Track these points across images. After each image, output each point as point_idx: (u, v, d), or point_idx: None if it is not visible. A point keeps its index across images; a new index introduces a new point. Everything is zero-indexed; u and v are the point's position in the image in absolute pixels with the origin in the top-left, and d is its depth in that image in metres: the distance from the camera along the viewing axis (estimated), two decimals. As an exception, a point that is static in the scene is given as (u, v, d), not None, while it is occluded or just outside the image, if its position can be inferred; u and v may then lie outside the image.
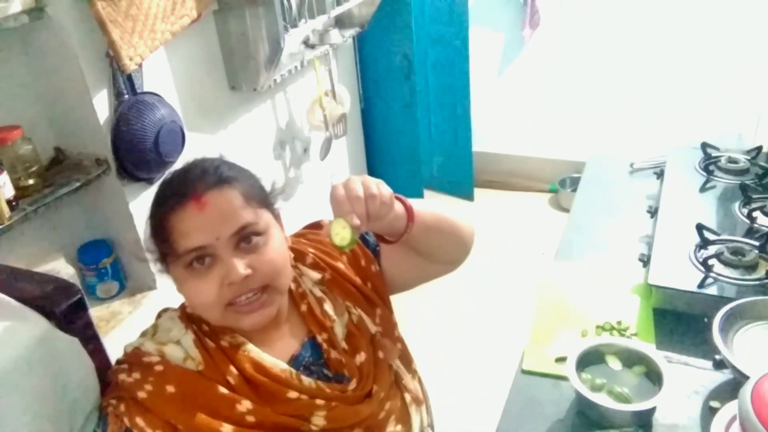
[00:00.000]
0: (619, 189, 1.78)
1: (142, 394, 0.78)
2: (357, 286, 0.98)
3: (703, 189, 1.61)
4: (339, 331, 0.91)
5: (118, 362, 0.86)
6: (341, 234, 0.77)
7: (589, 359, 1.13)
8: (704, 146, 1.75)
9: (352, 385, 0.88)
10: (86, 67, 1.47)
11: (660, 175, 1.75)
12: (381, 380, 0.91)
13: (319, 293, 0.94)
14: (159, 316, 0.93)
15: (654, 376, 1.08)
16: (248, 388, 0.81)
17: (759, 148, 1.72)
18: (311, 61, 2.19)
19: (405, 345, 1.05)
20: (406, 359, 1.03)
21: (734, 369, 1.05)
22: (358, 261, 1.00)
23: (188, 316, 0.87)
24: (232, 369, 0.81)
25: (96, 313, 1.62)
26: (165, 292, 1.62)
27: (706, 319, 1.17)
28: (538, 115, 3.31)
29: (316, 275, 0.95)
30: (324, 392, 0.84)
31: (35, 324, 0.79)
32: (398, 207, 0.84)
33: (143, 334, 0.89)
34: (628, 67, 2.98)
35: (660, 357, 1.09)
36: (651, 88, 2.98)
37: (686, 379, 1.14)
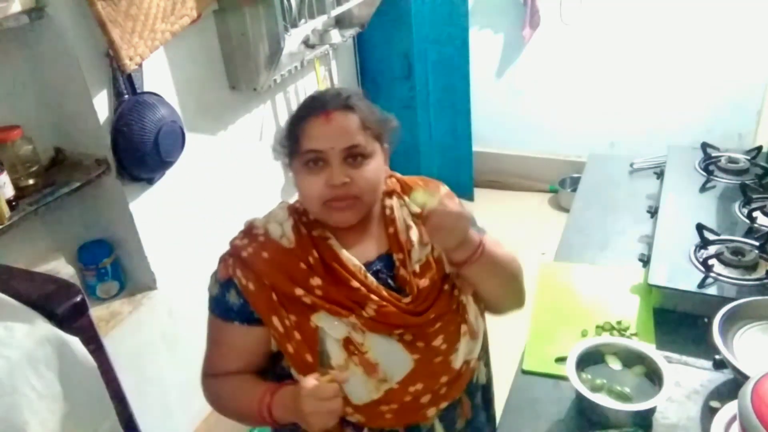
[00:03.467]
0: (619, 189, 1.78)
1: (244, 254, 1.00)
2: None
3: (703, 189, 1.61)
4: (415, 256, 1.04)
5: (237, 235, 1.05)
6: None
7: (589, 359, 1.13)
8: (704, 146, 1.75)
9: (407, 300, 1.00)
10: (86, 67, 1.47)
11: (660, 175, 1.75)
12: (439, 306, 1.02)
13: (410, 222, 1.07)
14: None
15: (654, 376, 1.09)
16: (323, 270, 0.99)
17: (759, 148, 1.72)
18: (311, 61, 2.19)
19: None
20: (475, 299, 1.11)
21: (734, 369, 1.05)
22: None
23: (294, 209, 1.06)
24: (315, 253, 1.00)
25: (96, 313, 1.62)
26: (165, 292, 1.66)
27: (706, 319, 1.17)
28: (538, 115, 3.31)
29: (417, 209, 1.06)
30: (380, 293, 0.99)
31: (35, 324, 0.79)
32: (474, 235, 1.00)
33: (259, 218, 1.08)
34: (628, 67, 2.98)
35: (660, 357, 1.09)
36: (651, 88, 2.98)
37: (686, 379, 1.14)
